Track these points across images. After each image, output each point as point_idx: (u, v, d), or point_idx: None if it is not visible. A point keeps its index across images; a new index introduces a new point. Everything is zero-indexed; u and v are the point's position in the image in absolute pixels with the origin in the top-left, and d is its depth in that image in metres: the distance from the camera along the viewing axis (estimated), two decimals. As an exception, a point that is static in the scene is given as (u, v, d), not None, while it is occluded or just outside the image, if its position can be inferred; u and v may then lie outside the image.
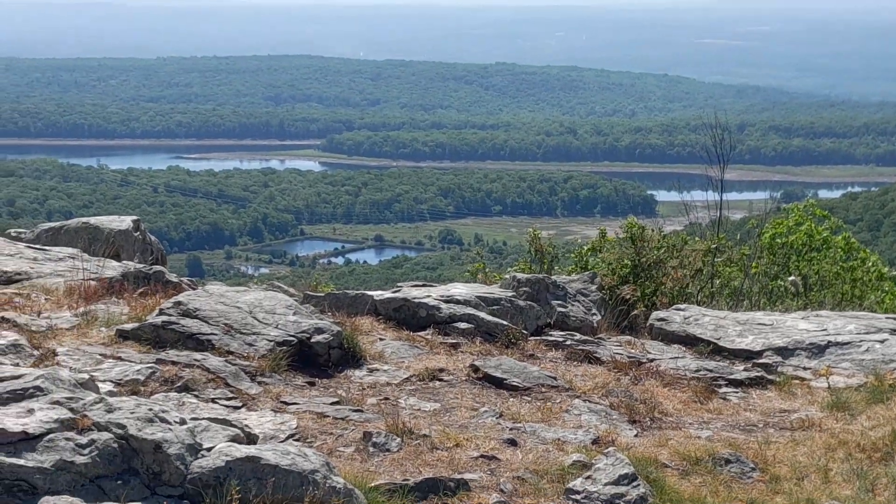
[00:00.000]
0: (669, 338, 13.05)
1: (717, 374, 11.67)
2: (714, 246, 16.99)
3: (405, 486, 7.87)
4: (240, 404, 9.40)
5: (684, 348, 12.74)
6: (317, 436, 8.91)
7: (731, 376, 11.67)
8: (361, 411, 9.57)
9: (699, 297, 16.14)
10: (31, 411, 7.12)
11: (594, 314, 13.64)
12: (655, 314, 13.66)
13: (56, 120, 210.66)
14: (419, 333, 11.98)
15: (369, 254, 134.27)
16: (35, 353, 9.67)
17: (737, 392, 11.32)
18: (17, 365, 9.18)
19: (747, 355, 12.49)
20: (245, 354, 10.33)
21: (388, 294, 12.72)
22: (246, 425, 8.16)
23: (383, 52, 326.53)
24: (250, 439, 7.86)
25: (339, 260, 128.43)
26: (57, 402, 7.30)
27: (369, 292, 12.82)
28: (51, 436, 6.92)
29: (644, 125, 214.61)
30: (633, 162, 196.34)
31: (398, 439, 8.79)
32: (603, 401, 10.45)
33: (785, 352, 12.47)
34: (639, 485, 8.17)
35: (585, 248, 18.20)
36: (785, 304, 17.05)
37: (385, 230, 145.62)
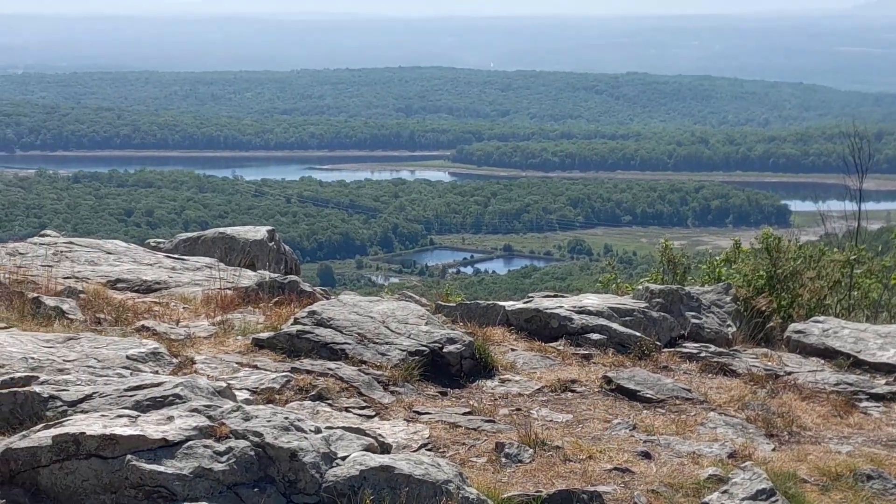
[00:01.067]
0: (807, 350, 12.78)
1: (858, 388, 11.39)
2: (853, 257, 16.61)
3: (538, 497, 7.82)
4: (373, 413, 9.46)
5: (823, 361, 12.47)
6: (449, 446, 8.91)
7: (872, 390, 11.38)
8: (493, 422, 9.55)
9: (837, 310, 15.79)
10: (170, 419, 7.26)
11: (729, 326, 13.43)
12: (793, 326, 13.40)
13: (193, 132, 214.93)
14: (551, 344, 11.92)
15: (498, 264, 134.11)
16: (174, 361, 9.86)
17: (878, 406, 11.04)
18: (157, 373, 9.37)
19: (889, 369, 12.17)
20: (378, 364, 10.39)
21: (519, 304, 12.69)
22: (379, 434, 8.20)
23: (514, 63, 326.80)
24: (384, 448, 7.89)
25: (468, 270, 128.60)
26: (195, 410, 7.42)
27: (501, 303, 12.81)
28: (190, 443, 7.03)
29: (778, 134, 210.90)
30: (766, 171, 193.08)
31: (530, 450, 8.75)
32: (739, 414, 10.27)
33: (928, 366, 12.12)
34: (777, 500, 8.00)
35: (719, 258, 17.95)
36: (927, 317, 16.59)
37: (514, 240, 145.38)
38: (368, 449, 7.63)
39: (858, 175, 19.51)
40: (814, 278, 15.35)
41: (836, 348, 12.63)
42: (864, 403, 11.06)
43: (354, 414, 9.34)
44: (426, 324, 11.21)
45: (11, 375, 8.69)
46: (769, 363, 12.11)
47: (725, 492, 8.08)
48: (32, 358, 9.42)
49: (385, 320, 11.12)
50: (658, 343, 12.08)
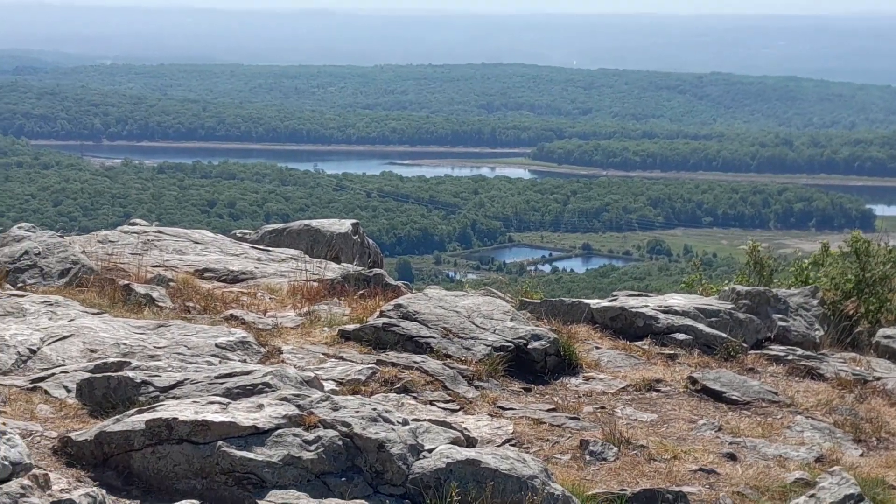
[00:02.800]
0: (897, 356, 12.61)
1: (948, 396, 11.21)
2: (944, 262, 16.30)
3: (622, 496, 7.81)
4: (457, 407, 9.50)
5: (912, 367, 12.30)
6: (533, 442, 8.93)
7: (963, 398, 11.19)
8: (578, 419, 9.54)
9: (926, 316, 15.53)
10: (260, 407, 7.34)
11: (816, 329, 13.27)
12: (882, 331, 13.23)
13: (276, 125, 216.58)
14: (636, 343, 11.88)
15: (576, 262, 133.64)
16: (261, 350, 9.97)
17: (969, 415, 10.84)
18: (245, 361, 9.49)
19: (980, 377, 11.96)
20: (462, 358, 10.43)
21: (604, 303, 12.66)
22: (464, 428, 8.23)
23: (597, 61, 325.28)
24: (469, 442, 7.92)
25: (546, 268, 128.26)
26: (284, 399, 7.50)
27: (585, 300, 12.78)
28: (279, 431, 7.10)
29: (864, 137, 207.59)
30: (851, 175, 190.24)
31: (615, 449, 8.74)
32: (826, 418, 10.17)
33: None
34: (866, 506, 7.92)
35: (807, 261, 17.72)
36: None
37: (593, 239, 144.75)
38: (454, 442, 7.66)
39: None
40: (904, 283, 15.11)
41: (927, 354, 12.45)
42: (955, 411, 10.88)
43: (439, 407, 9.39)
44: (511, 320, 11.23)
45: (105, 360, 8.85)
46: (857, 368, 11.97)
47: (812, 496, 8.01)
48: (124, 343, 9.58)
49: (470, 315, 11.15)
50: (744, 345, 11.99)
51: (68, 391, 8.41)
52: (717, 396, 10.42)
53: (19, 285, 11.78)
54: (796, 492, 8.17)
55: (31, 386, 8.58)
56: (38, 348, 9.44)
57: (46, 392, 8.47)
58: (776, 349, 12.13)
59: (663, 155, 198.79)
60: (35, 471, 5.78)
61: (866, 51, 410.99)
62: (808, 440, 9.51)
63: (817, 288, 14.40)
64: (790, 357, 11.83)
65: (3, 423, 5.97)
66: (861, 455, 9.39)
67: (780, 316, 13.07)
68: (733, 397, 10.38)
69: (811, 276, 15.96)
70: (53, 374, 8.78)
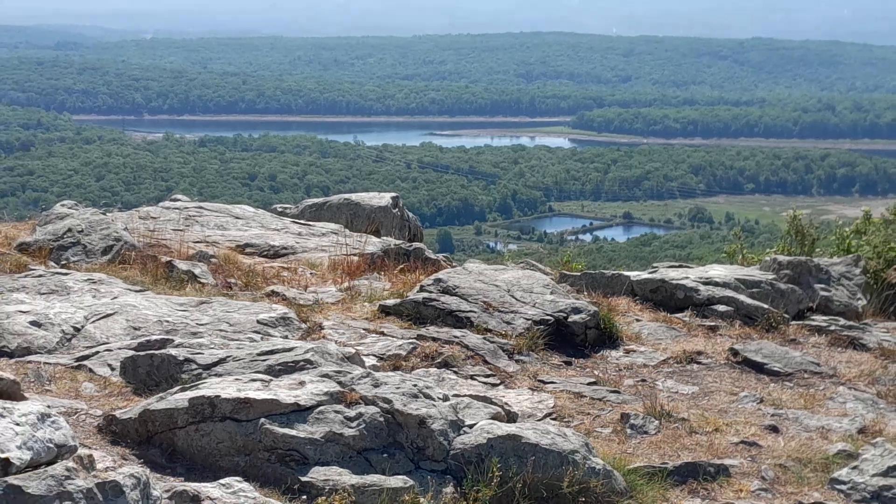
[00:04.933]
0: (940, 325, 12.51)
1: None
2: None
3: (664, 469, 7.80)
4: (497, 382, 9.51)
5: (957, 337, 12.20)
6: (574, 416, 8.93)
7: None
8: (618, 392, 9.54)
9: (971, 284, 15.38)
10: (302, 383, 7.37)
11: (859, 299, 13.19)
12: (925, 300, 13.14)
13: (316, 97, 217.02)
14: (676, 315, 11.85)
15: (617, 231, 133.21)
16: (302, 326, 10.01)
17: None
18: (287, 337, 9.53)
19: None
20: (503, 332, 10.43)
21: (644, 275, 12.63)
22: (505, 403, 8.24)
23: (636, 28, 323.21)
24: (510, 417, 7.93)
25: (587, 237, 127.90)
26: (326, 376, 7.53)
27: (625, 273, 12.76)
28: (321, 408, 7.14)
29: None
30: (894, 139, 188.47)
31: (656, 422, 8.73)
32: (869, 389, 10.11)
33: None
34: (909, 478, 7.87)
35: (848, 230, 17.58)
36: None
37: (633, 207, 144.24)
38: (495, 417, 7.68)
39: None
40: (948, 251, 14.97)
41: (971, 324, 12.36)
42: None
43: (479, 382, 9.40)
44: (551, 293, 11.22)
45: (148, 338, 8.92)
46: (901, 338, 11.89)
47: (855, 468, 7.97)
48: (167, 321, 9.65)
49: (510, 289, 11.16)
50: (786, 315, 11.93)
51: (112, 369, 8.48)
52: (758, 368, 10.38)
53: (63, 263, 11.89)
54: (839, 464, 8.13)
55: (75, 364, 8.66)
56: (82, 326, 9.52)
57: (91, 370, 8.55)
58: (818, 319, 12.06)
59: (704, 122, 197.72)
60: (80, 451, 5.83)
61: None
62: (850, 411, 9.46)
63: (859, 257, 14.31)
64: (832, 327, 11.77)
65: (49, 406, 6.04)
66: (904, 426, 9.34)
67: (821, 286, 13.00)
68: (775, 369, 10.34)
69: (853, 245, 15.85)
70: (97, 353, 8.86)
